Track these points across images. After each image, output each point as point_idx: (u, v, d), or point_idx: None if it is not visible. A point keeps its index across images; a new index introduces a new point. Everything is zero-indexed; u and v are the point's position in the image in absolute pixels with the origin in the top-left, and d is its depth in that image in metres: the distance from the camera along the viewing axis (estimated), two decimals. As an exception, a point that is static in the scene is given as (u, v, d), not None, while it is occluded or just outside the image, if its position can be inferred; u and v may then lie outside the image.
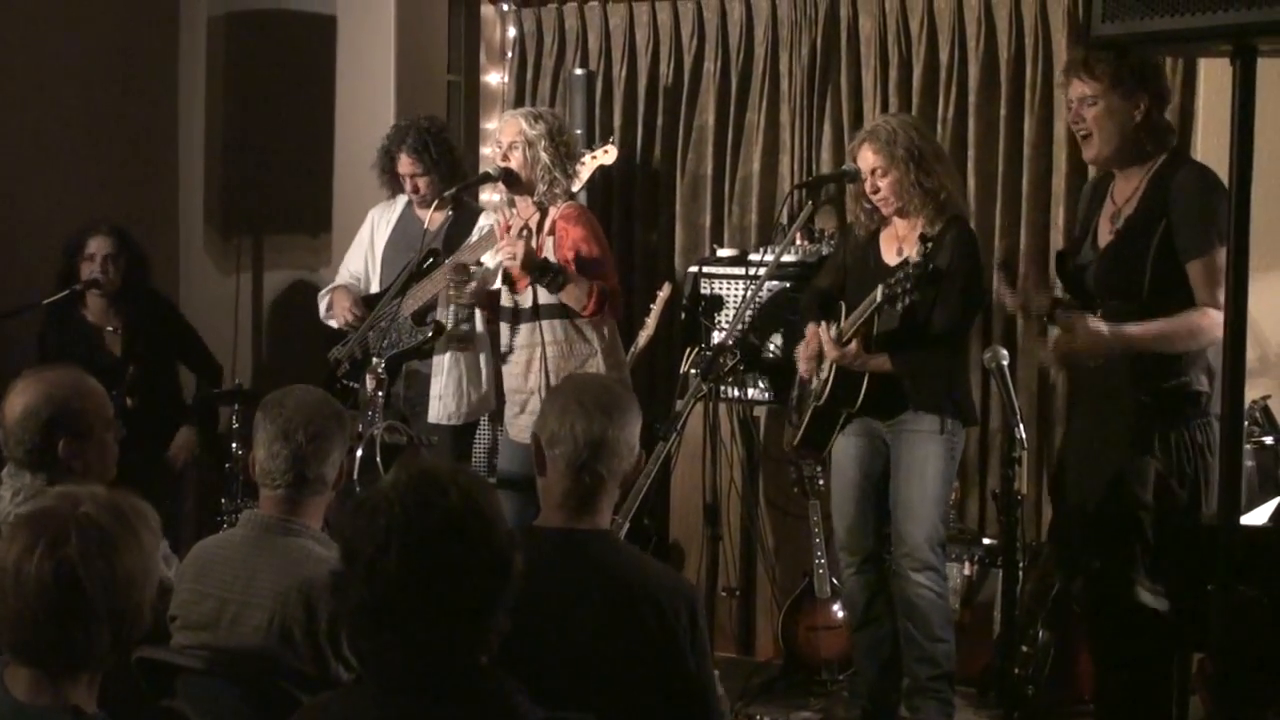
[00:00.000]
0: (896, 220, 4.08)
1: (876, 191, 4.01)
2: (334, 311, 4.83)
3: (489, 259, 4.41)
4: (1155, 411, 3.27)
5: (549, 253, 4.24)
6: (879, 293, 3.83)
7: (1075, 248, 3.55)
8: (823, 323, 4.03)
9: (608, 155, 4.63)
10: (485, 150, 5.84)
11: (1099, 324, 3.26)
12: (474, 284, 4.35)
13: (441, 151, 4.75)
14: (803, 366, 4.17)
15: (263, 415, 2.80)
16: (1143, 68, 3.28)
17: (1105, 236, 3.39)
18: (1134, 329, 3.25)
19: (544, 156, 4.22)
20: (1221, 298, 3.10)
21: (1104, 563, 3.39)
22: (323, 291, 4.96)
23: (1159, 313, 3.24)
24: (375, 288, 4.84)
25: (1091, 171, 4.81)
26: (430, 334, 4.58)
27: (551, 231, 4.26)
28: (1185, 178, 3.27)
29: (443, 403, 4.61)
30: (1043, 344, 3.44)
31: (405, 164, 4.75)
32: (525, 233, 4.23)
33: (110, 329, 5.00)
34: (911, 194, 3.97)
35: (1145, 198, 3.31)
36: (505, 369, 4.43)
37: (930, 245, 3.83)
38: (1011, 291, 3.62)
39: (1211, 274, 3.16)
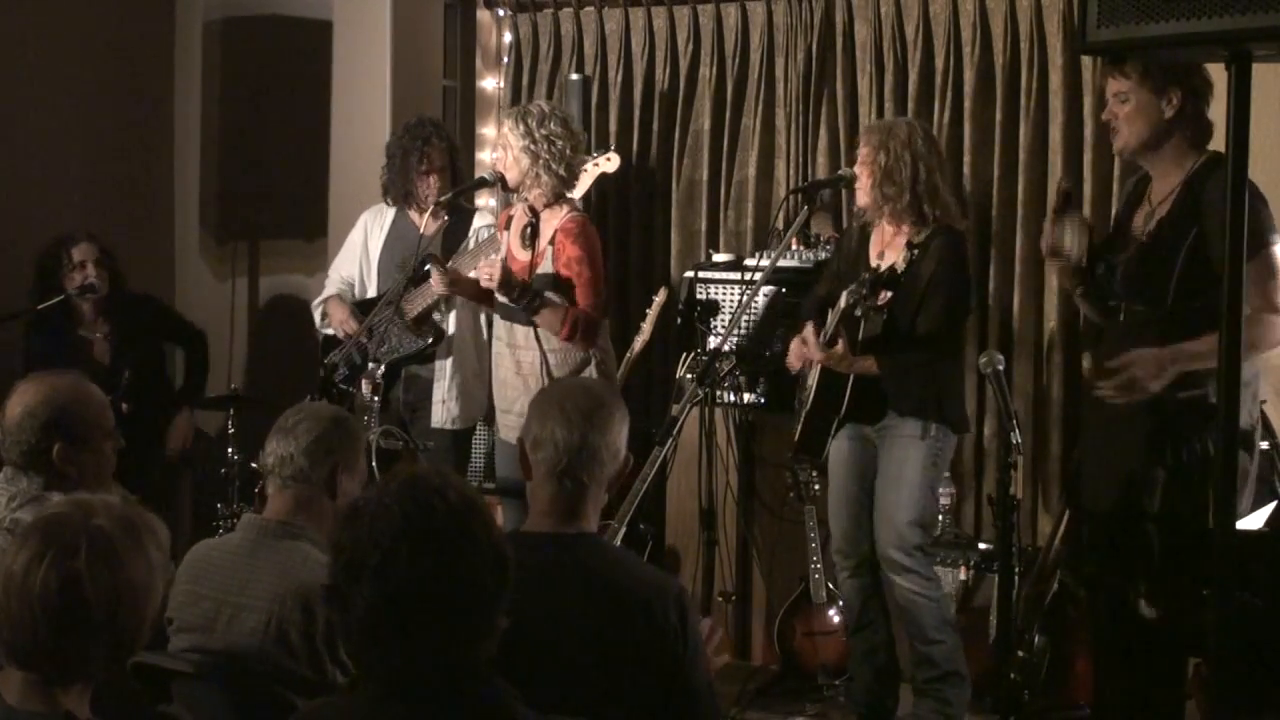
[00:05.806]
0: (885, 226, 4.07)
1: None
2: (330, 322, 4.82)
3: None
4: (1170, 422, 3.23)
5: (548, 262, 4.22)
6: (843, 299, 3.85)
7: (1106, 247, 3.50)
8: (808, 325, 4.02)
9: (610, 163, 4.61)
10: (480, 155, 5.84)
11: (1150, 350, 3.19)
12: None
13: (453, 148, 4.76)
14: (792, 359, 4.17)
15: (280, 420, 2.86)
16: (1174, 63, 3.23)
17: (1138, 238, 3.35)
18: (1192, 345, 3.15)
19: (524, 159, 4.16)
20: (1277, 298, 3.10)
21: (1105, 569, 3.38)
22: (316, 301, 4.95)
23: (1181, 320, 3.18)
24: (371, 293, 4.83)
25: (1087, 172, 4.84)
26: (430, 340, 4.58)
27: (551, 241, 4.23)
28: (1220, 184, 3.22)
29: (446, 407, 4.60)
30: (1085, 371, 3.28)
31: (438, 157, 4.68)
32: (529, 244, 4.20)
33: (99, 335, 4.98)
34: (920, 196, 3.96)
35: (1179, 201, 3.26)
36: (497, 367, 4.40)
37: (916, 252, 3.83)
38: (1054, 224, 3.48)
39: (1263, 274, 3.11)
